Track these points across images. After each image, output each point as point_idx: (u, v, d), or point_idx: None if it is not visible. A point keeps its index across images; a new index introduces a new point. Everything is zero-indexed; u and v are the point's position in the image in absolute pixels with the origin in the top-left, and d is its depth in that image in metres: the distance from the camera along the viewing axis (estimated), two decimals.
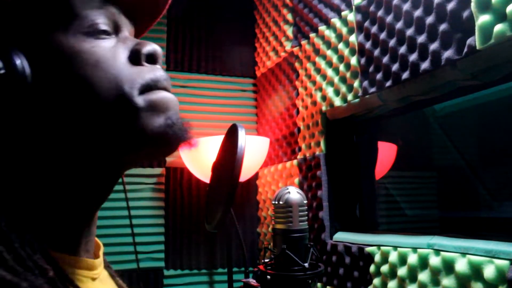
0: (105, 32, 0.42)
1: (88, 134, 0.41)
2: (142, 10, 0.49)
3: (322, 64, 1.31)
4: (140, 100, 0.41)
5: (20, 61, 0.37)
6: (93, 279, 0.46)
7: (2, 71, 0.36)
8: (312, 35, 1.37)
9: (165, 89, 0.44)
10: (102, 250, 0.51)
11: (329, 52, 1.27)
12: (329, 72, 1.27)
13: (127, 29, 0.46)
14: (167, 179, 1.67)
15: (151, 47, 0.44)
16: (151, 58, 0.44)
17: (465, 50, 0.79)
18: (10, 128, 0.39)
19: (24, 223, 0.37)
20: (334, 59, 1.25)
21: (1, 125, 0.38)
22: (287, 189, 0.81)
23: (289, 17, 1.54)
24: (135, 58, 0.43)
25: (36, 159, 0.41)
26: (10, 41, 0.38)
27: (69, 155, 0.41)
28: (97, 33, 0.41)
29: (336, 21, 1.23)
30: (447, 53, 0.83)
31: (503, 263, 0.73)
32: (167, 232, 1.63)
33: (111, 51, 0.42)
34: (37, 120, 0.39)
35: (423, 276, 0.89)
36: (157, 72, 0.44)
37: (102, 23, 0.42)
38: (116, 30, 0.44)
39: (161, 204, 1.65)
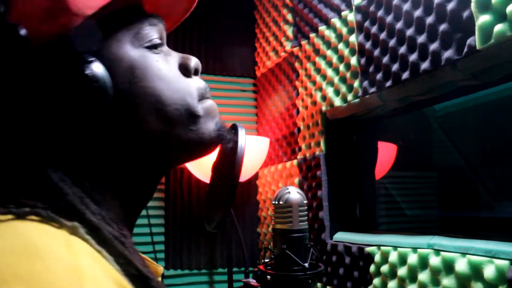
0: (159, 46, 0.48)
1: (155, 138, 0.46)
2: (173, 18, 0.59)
3: (322, 64, 1.31)
4: (199, 109, 0.48)
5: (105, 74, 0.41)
6: None
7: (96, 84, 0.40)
8: (312, 35, 1.37)
9: (209, 97, 0.52)
10: None
11: (329, 52, 1.27)
12: (329, 72, 1.26)
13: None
14: (167, 179, 1.67)
15: (196, 61, 0.51)
16: (196, 71, 0.51)
17: (465, 50, 0.79)
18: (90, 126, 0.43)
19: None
20: (334, 59, 1.25)
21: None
22: (287, 189, 0.81)
23: (289, 17, 1.54)
24: (185, 71, 0.50)
25: (109, 152, 0.45)
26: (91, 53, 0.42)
27: (133, 155, 0.46)
28: (154, 48, 0.47)
29: (336, 21, 1.23)
30: (447, 53, 0.83)
31: (503, 263, 0.73)
32: (167, 232, 1.63)
33: (168, 65, 0.48)
34: (112, 123, 0.44)
35: (423, 276, 0.89)
36: (202, 83, 0.51)
37: (157, 38, 0.48)
38: (162, 43, 0.50)
39: (161, 204, 1.65)
